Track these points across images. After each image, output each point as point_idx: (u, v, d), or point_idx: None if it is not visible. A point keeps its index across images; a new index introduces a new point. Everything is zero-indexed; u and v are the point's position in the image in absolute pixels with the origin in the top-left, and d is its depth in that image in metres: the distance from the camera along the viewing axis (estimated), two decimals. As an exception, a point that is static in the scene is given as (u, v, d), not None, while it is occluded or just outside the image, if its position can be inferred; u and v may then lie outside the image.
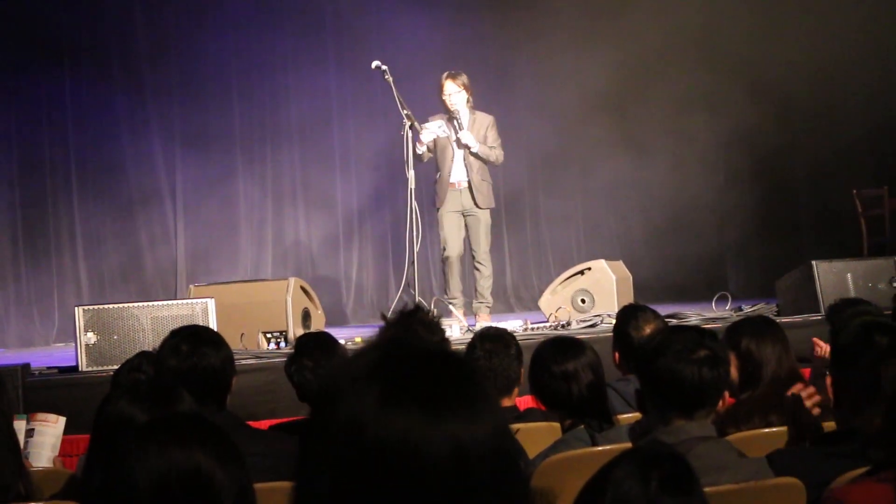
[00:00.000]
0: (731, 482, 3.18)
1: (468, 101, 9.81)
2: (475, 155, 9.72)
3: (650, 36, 12.55)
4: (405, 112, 9.24)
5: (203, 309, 7.73)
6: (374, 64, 9.36)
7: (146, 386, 3.04)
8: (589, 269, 9.84)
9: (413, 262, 9.20)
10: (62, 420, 5.57)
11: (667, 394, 3.30)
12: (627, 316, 5.36)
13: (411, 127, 9.24)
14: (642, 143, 13.11)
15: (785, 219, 13.61)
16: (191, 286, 8.97)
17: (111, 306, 7.84)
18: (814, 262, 9.07)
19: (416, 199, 9.28)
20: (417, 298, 8.84)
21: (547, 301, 9.84)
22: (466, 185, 9.74)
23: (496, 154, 9.82)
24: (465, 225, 9.89)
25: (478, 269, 9.99)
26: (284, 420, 5.96)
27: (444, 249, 9.86)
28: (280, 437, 4.17)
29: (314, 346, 4.82)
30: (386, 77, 9.27)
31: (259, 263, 13.05)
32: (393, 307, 9.45)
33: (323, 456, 1.36)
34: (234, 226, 13.03)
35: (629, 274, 10.14)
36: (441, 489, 1.31)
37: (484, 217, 9.84)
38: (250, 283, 9.51)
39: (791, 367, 4.65)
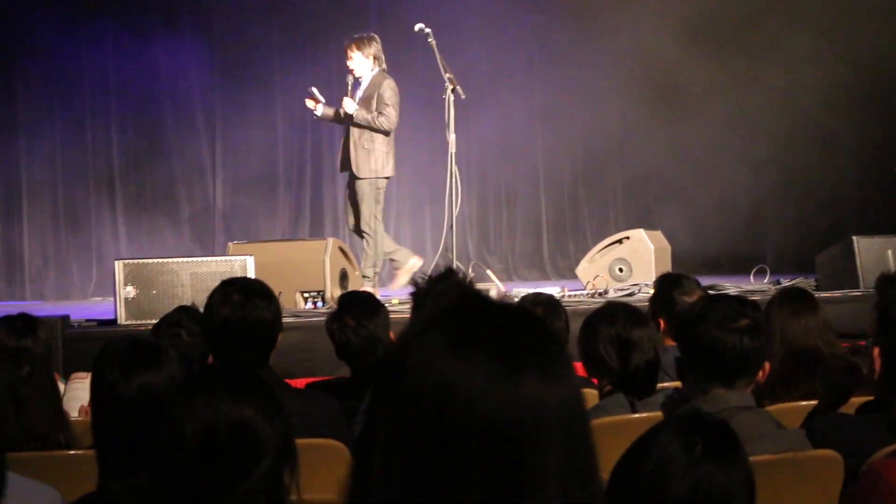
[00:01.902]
0: (770, 453, 3.17)
1: (376, 64, 9.52)
2: (356, 123, 9.45)
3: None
4: (447, 76, 9.20)
5: (242, 266, 7.75)
6: (418, 27, 9.33)
7: (139, 351, 2.98)
8: (627, 238, 9.80)
9: (452, 225, 9.19)
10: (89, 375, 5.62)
11: (707, 362, 3.29)
12: (671, 283, 5.33)
13: (453, 90, 9.19)
14: (682, 115, 13.02)
15: (825, 193, 13.50)
16: (230, 243, 8.99)
17: (151, 261, 7.89)
18: (854, 238, 9.02)
19: (455, 162, 9.25)
20: (455, 262, 8.83)
21: (584, 269, 9.82)
22: (348, 152, 9.51)
23: (379, 121, 9.38)
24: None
25: (365, 240, 9.58)
26: (321, 378, 5.98)
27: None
28: (318, 395, 4.18)
29: (357, 306, 4.81)
30: (429, 40, 9.23)
31: (297, 224, 13.09)
32: (429, 271, 9.45)
33: (386, 407, 1.31)
34: (273, 185, 13.06)
35: (668, 244, 10.11)
36: (510, 448, 1.25)
37: (361, 189, 9.42)
38: (289, 242, 9.55)
39: (817, 341, 4.62)
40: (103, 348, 3.00)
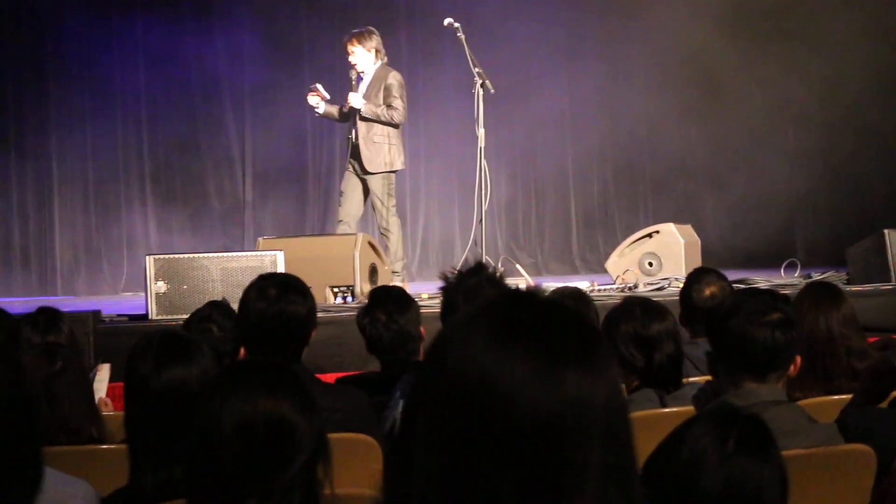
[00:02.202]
0: (802, 447, 3.16)
1: (378, 58, 9.49)
2: (364, 117, 9.39)
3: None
4: (476, 70, 9.19)
5: (272, 261, 7.77)
6: (447, 21, 9.33)
7: (171, 345, 3.02)
8: (657, 232, 9.77)
9: (481, 220, 9.18)
10: (107, 366, 5.68)
11: (738, 356, 3.28)
12: (691, 278, 5.33)
13: (482, 85, 9.18)
14: (711, 106, 12.97)
15: (856, 185, 13.42)
16: (260, 238, 9.02)
17: (182, 256, 7.92)
18: (886, 231, 8.96)
19: (485, 156, 9.24)
20: (484, 257, 8.83)
21: (614, 263, 9.79)
22: (357, 146, 9.44)
23: (388, 114, 9.34)
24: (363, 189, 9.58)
25: (385, 236, 9.57)
26: (351, 373, 5.99)
27: (339, 212, 9.67)
28: (349, 390, 4.19)
29: (388, 300, 4.81)
30: (458, 35, 9.23)
31: (326, 219, 13.11)
32: (458, 265, 9.44)
33: (426, 401, 1.31)
34: (302, 179, 13.09)
35: (697, 238, 10.07)
36: (550, 444, 1.25)
37: (374, 184, 9.40)
38: (318, 237, 9.58)
39: (836, 335, 4.60)
40: (138, 342, 3.03)
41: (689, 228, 10.11)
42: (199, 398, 2.23)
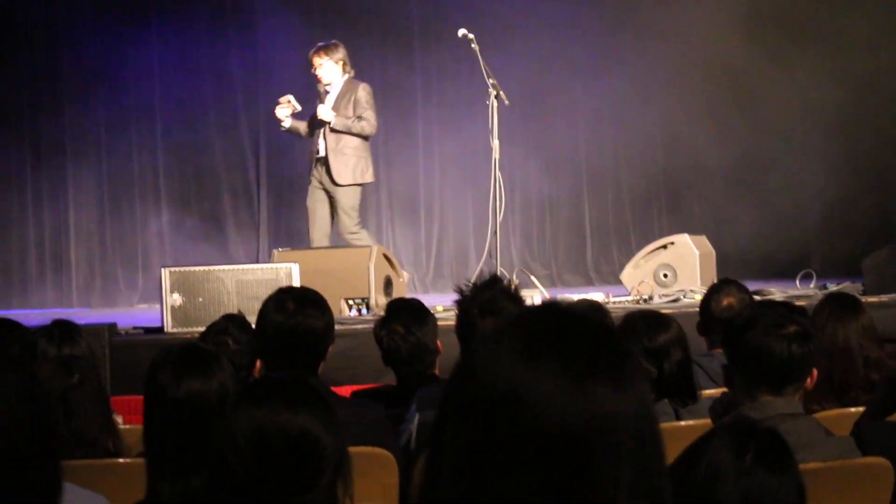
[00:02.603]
0: (819, 460, 3.15)
1: (345, 71, 9.43)
2: (334, 129, 9.30)
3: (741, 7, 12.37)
4: (490, 81, 9.18)
5: (287, 273, 7.78)
6: (461, 32, 9.32)
7: (191, 357, 3.06)
8: (672, 243, 9.76)
9: (496, 231, 9.18)
10: None
11: (755, 369, 3.27)
12: (712, 289, 5.34)
13: (497, 96, 9.18)
14: (727, 117, 12.96)
15: (872, 196, 13.38)
16: (275, 251, 9.03)
17: (197, 269, 7.93)
18: (901, 242, 8.95)
19: (499, 168, 9.24)
20: (499, 269, 8.83)
21: (629, 275, 9.77)
22: (324, 156, 9.35)
23: (359, 126, 9.29)
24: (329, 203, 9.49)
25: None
26: (366, 386, 5.99)
27: (308, 230, 9.57)
28: (365, 403, 4.20)
29: (406, 312, 4.83)
30: (472, 46, 9.23)
31: (340, 231, 13.12)
32: (473, 278, 9.44)
33: (455, 415, 1.31)
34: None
35: (712, 249, 10.05)
36: (580, 459, 1.24)
37: (343, 197, 9.32)
38: (333, 249, 9.55)
39: (855, 346, 4.59)
40: (159, 352, 3.06)
41: (703, 239, 10.10)
42: (219, 412, 2.23)
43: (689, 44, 12.56)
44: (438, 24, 12.73)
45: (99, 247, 12.58)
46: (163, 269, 7.85)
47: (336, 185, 9.30)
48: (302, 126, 9.49)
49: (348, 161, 9.32)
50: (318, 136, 9.38)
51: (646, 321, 4.29)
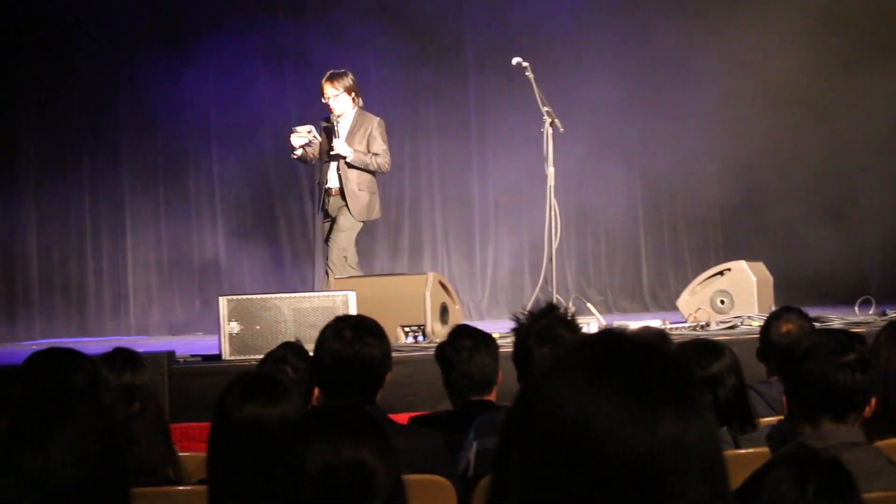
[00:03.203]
0: (882, 490, 3.11)
1: (355, 103, 9.18)
2: (351, 165, 9.09)
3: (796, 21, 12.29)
4: (545, 109, 9.19)
5: (344, 301, 7.81)
6: (515, 60, 9.33)
7: (260, 383, 3.11)
8: (729, 269, 9.70)
9: (551, 258, 9.17)
10: None
11: (816, 398, 3.25)
12: (772, 315, 5.31)
13: (552, 124, 9.18)
14: (782, 144, 12.89)
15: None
16: (331, 278, 9.07)
17: (254, 297, 7.98)
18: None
19: (554, 195, 9.23)
20: (555, 296, 8.82)
21: (685, 301, 9.73)
22: (339, 191, 9.15)
23: (377, 162, 9.10)
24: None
25: (330, 270, 9.16)
26: (422, 413, 6.00)
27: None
28: (423, 431, 4.19)
29: (474, 333, 4.92)
30: (527, 74, 9.24)
31: (395, 258, 13.17)
32: (529, 306, 9.41)
33: (520, 443, 1.31)
34: (372, 220, 13.13)
35: (770, 276, 9.98)
36: (647, 486, 1.24)
37: (344, 222, 9.12)
38: (389, 276, 9.59)
39: None
40: (234, 376, 3.13)
41: (761, 266, 10.03)
42: (280, 441, 2.26)
43: (742, 70, 12.52)
44: (493, 53, 12.78)
45: (156, 274, 12.69)
46: (220, 298, 7.89)
47: (353, 217, 9.14)
48: (310, 152, 9.29)
49: (363, 199, 9.16)
50: (329, 169, 9.19)
51: (698, 350, 4.29)
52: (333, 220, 9.22)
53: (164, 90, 12.55)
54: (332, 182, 9.18)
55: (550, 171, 9.20)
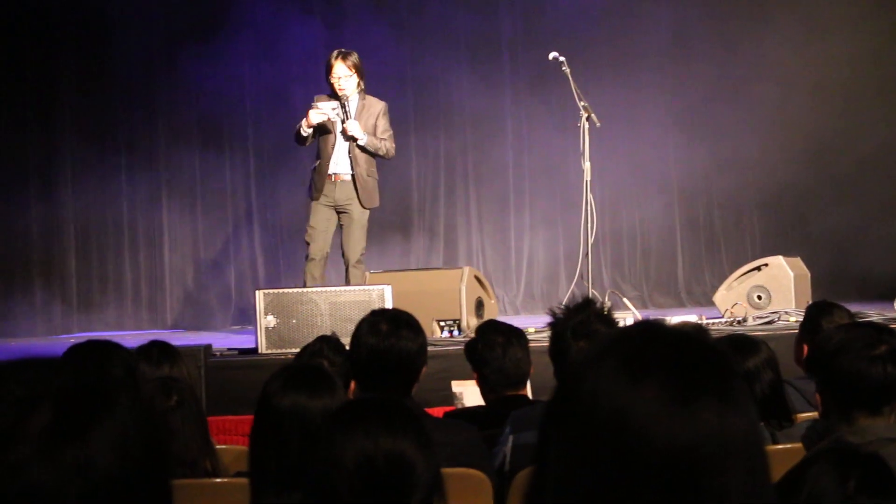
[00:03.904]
0: (921, 486, 3.09)
1: (359, 86, 8.80)
2: (362, 148, 8.73)
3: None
4: (582, 104, 9.17)
5: (379, 295, 7.82)
6: (552, 55, 9.31)
7: (305, 373, 3.13)
8: (766, 265, 9.67)
9: (587, 254, 9.15)
10: None
11: (851, 393, 3.23)
12: (821, 311, 5.25)
13: (588, 118, 9.16)
14: (818, 137, 12.79)
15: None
16: (367, 272, 9.08)
17: (291, 290, 8.00)
18: None
19: (591, 190, 9.21)
20: (590, 291, 8.80)
21: (722, 297, 9.70)
22: (350, 179, 8.74)
23: (386, 146, 8.78)
24: (339, 223, 8.88)
25: (349, 274, 8.80)
26: (457, 407, 6.01)
27: (308, 245, 8.84)
28: (459, 424, 4.20)
29: (504, 328, 4.92)
30: (563, 69, 9.22)
31: (430, 253, 13.17)
32: (565, 300, 9.39)
33: (559, 435, 1.30)
34: (407, 214, 13.16)
35: (807, 271, 9.94)
36: (687, 477, 1.23)
37: (359, 216, 8.77)
38: (425, 271, 9.61)
39: None
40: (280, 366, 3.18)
41: (798, 261, 9.99)
42: (319, 432, 2.26)
43: (781, 64, 12.45)
44: (529, 47, 12.77)
45: (192, 269, 12.74)
46: (257, 291, 7.91)
47: (362, 206, 8.81)
48: (309, 133, 8.85)
49: (370, 185, 8.84)
50: (337, 153, 8.80)
51: (734, 345, 4.27)
52: (339, 211, 8.84)
53: (201, 88, 12.57)
54: (341, 167, 8.78)
55: (587, 166, 9.18)
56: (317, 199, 8.80)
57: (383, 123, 8.86)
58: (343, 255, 8.88)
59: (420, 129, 13.17)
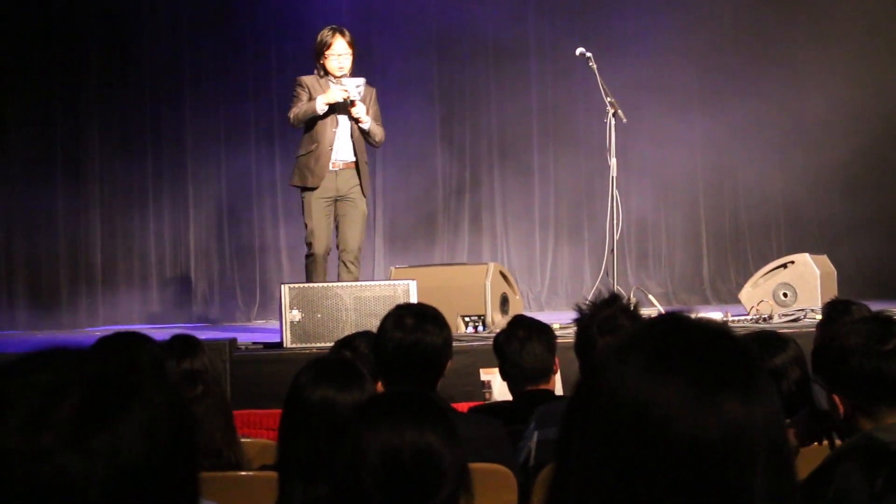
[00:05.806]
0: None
1: (352, 65, 8.32)
2: (364, 132, 8.27)
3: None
4: (608, 100, 9.14)
5: (404, 290, 7.82)
6: (579, 51, 9.29)
7: (335, 367, 3.14)
8: (792, 262, 9.63)
9: (612, 250, 9.13)
10: None
11: (870, 392, 3.19)
12: (840, 309, 5.22)
13: (614, 114, 9.13)
14: (842, 129, 12.74)
15: None
16: (392, 268, 9.07)
17: (316, 285, 8.00)
18: None
19: (616, 186, 9.19)
20: (616, 287, 8.78)
21: (748, 294, 9.67)
22: (353, 165, 8.29)
23: (381, 133, 8.33)
24: (336, 213, 8.39)
25: (347, 269, 8.36)
26: (482, 402, 6.01)
27: (311, 244, 8.40)
28: (484, 419, 4.20)
29: (529, 323, 4.92)
30: (590, 64, 9.19)
31: (455, 248, 13.16)
32: (591, 296, 9.36)
33: (582, 428, 1.30)
34: (432, 210, 13.16)
35: (833, 269, 9.90)
36: (711, 469, 1.23)
37: (362, 205, 8.35)
38: (449, 266, 9.59)
39: None
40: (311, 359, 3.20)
41: (824, 259, 9.95)
42: (347, 425, 2.27)
43: (809, 63, 12.41)
44: (555, 43, 12.75)
45: (217, 263, 12.76)
46: (282, 286, 7.92)
47: (363, 195, 8.41)
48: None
49: (366, 173, 8.43)
50: (338, 138, 8.29)
51: (761, 342, 4.24)
52: (339, 201, 8.40)
53: (226, 77, 12.60)
54: (343, 154, 8.30)
55: (613, 161, 9.15)
56: (313, 191, 8.29)
57: (376, 108, 8.39)
58: (339, 247, 8.47)
59: (444, 130, 13.16)
